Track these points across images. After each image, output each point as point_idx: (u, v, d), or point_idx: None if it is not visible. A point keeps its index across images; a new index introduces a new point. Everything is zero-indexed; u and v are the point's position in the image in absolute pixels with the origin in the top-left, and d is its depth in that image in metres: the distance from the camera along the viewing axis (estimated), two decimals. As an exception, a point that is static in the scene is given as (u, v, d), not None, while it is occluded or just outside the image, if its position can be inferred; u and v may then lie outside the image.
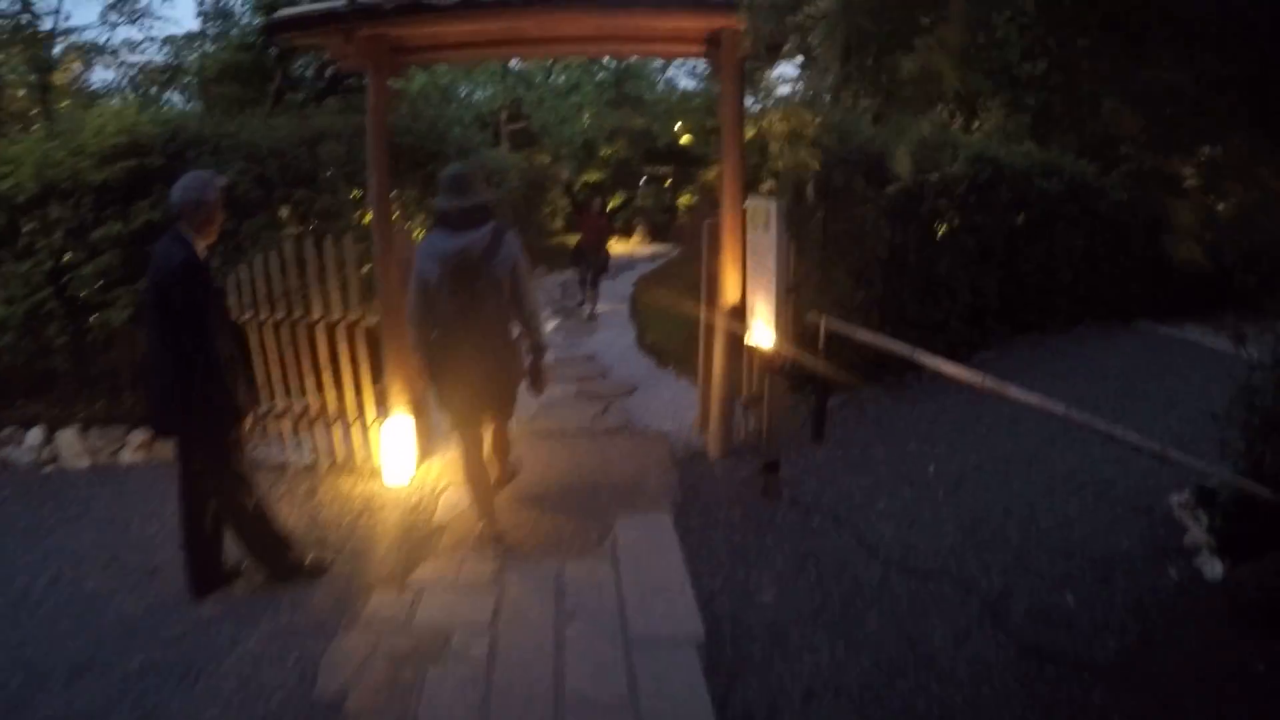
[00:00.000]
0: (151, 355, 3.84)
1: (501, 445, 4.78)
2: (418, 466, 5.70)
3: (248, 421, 4.07)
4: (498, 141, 22.01)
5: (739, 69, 5.00)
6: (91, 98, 13.15)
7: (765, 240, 4.58)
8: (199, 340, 3.67)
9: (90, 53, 12.77)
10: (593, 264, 11.79)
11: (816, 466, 5.63)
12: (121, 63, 13.02)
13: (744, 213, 5.17)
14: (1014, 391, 3.79)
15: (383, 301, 5.29)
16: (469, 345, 3.85)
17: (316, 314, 5.55)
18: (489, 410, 4.21)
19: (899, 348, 4.33)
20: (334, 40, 4.41)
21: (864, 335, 4.58)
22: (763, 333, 4.75)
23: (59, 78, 11.21)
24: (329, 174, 7.68)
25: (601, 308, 12.15)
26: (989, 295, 8.86)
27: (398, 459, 5.50)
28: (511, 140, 22.28)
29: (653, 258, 18.62)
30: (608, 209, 13.78)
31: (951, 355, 7.89)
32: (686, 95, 24.79)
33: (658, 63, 24.35)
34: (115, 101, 12.31)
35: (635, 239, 21.33)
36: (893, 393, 7.22)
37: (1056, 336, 9.75)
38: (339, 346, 5.49)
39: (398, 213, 8.60)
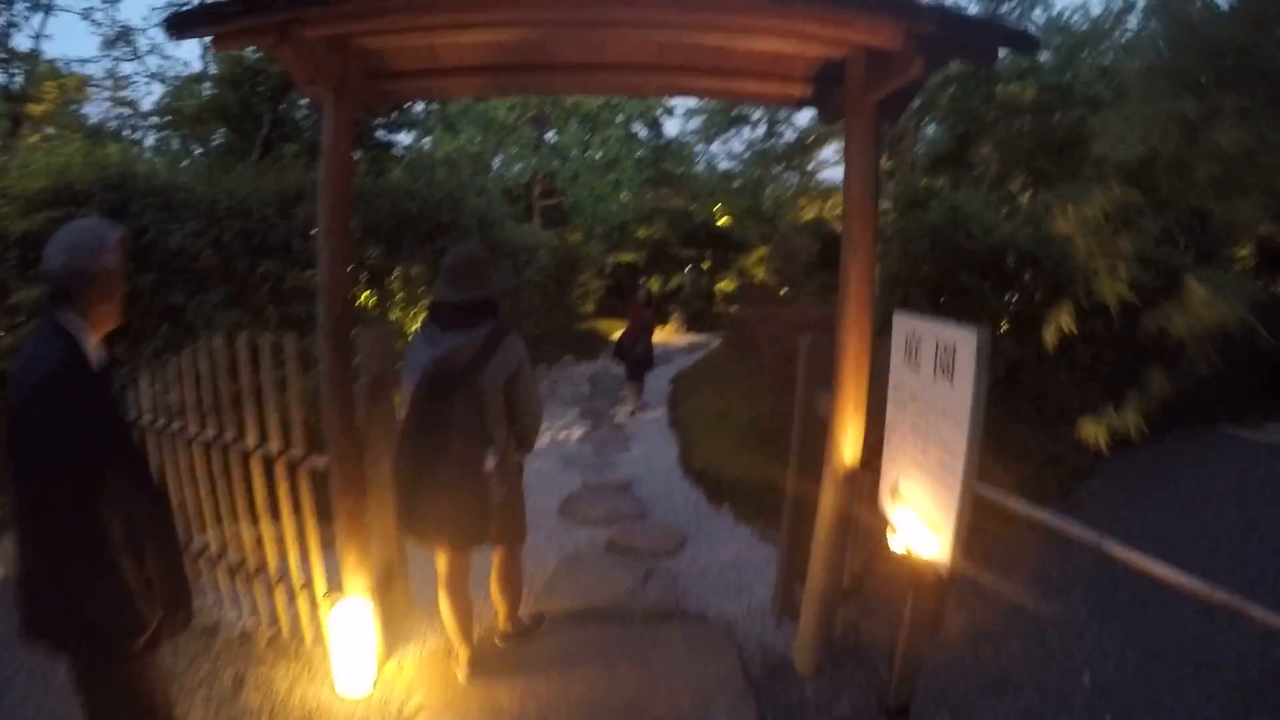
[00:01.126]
0: (16, 521, 2.26)
1: (508, 583, 3.90)
2: (382, 665, 3.94)
3: (162, 629, 2.41)
4: (529, 216, 20.81)
5: (872, 116, 3.38)
6: (91, 135, 11.89)
7: (934, 389, 2.88)
8: (76, 511, 2.15)
9: (77, 85, 11.56)
10: (636, 358, 10.65)
11: (961, 703, 3.80)
12: (115, 100, 11.85)
13: (868, 330, 3.47)
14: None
15: (331, 433, 3.61)
16: (433, 472, 3.21)
17: (252, 441, 3.90)
18: (462, 539, 3.39)
19: (1083, 534, 2.54)
20: (267, 41, 2.85)
21: (1025, 510, 2.80)
22: (918, 532, 2.99)
23: (37, 109, 9.82)
24: (308, 242, 6.16)
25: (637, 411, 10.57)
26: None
27: (354, 659, 3.73)
28: (544, 216, 21.05)
29: (690, 349, 17.00)
30: (653, 298, 12.28)
31: (1060, 492, 6.50)
32: (727, 175, 23.55)
33: (698, 141, 23.28)
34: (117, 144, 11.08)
35: (671, 327, 19.75)
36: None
37: (1150, 449, 8.23)
38: (280, 489, 3.83)
39: (374, 297, 7.05)
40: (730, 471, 7.02)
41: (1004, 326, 5.97)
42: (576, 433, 9.18)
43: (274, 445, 3.81)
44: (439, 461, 3.19)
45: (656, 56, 3.62)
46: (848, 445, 3.58)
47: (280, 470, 3.80)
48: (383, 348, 3.97)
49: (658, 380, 12.70)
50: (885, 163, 13.40)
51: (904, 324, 3.12)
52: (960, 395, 2.78)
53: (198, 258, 5.73)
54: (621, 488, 6.95)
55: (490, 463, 3.21)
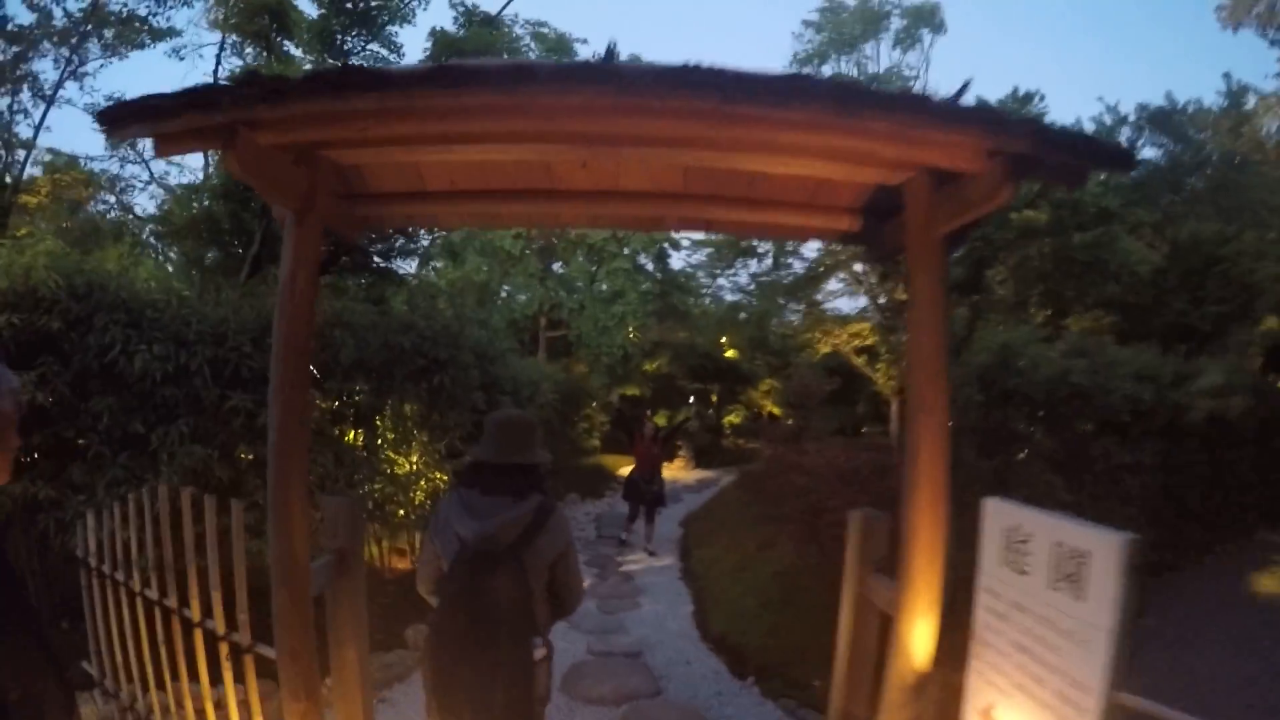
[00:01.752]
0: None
1: None
2: None
3: None
4: (535, 349, 20.45)
5: (940, 252, 2.83)
6: (88, 235, 11.55)
7: (1051, 602, 2.21)
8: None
9: (74, 182, 11.31)
10: (648, 497, 10.32)
11: None
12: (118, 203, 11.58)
13: (944, 513, 2.81)
14: None
15: (280, 624, 2.90)
16: (476, 662, 2.76)
17: (196, 612, 3.22)
18: None
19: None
20: (213, 146, 2.34)
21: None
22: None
23: (32, 200, 9.39)
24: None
25: (645, 557, 9.80)
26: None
27: None
28: (548, 349, 20.67)
29: (699, 487, 16.21)
30: (660, 432, 11.75)
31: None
32: (734, 307, 23.32)
33: (702, 274, 23.17)
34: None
35: (678, 463, 19.01)
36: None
37: (1189, 572, 7.62)
38: (225, 674, 3.13)
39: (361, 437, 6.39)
40: (753, 637, 6.22)
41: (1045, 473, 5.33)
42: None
43: (218, 623, 3.13)
44: (485, 650, 2.83)
45: (680, 184, 3.10)
46: (918, 646, 2.85)
47: (227, 655, 3.12)
48: (350, 518, 3.30)
49: (667, 523, 11.90)
50: (900, 292, 13.02)
51: (1002, 515, 2.46)
52: (1094, 616, 2.10)
53: (163, 383, 5.16)
54: (632, 656, 6.11)
55: (540, 653, 2.89)
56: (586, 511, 12.93)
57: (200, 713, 3.33)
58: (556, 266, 21.02)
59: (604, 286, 19.11)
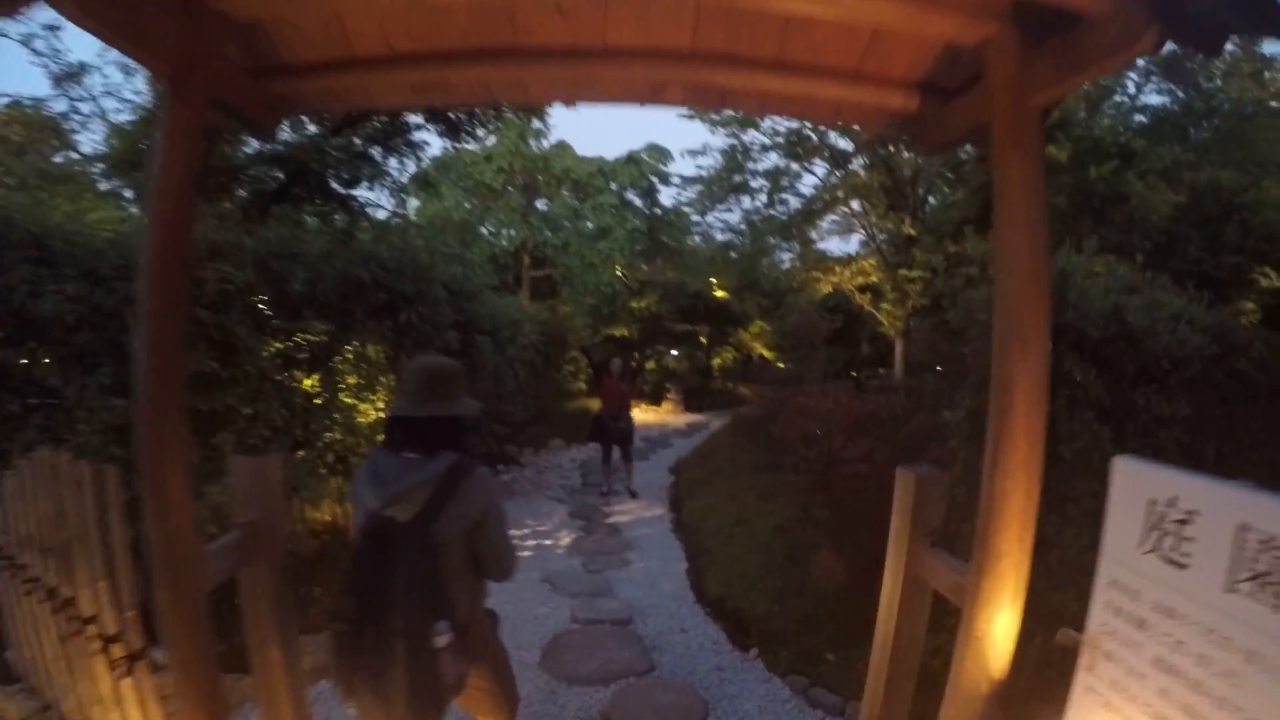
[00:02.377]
0: None
1: None
2: None
3: None
4: (517, 288, 19.65)
5: (1037, 129, 2.10)
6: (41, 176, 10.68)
7: (1229, 609, 1.56)
8: None
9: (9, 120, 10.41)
10: (616, 435, 9.90)
11: None
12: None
13: (1038, 473, 2.13)
14: None
15: (167, 622, 2.22)
16: (371, 651, 2.39)
17: (87, 608, 2.54)
18: None
19: None
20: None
21: None
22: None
23: None
24: (228, 315, 4.84)
25: (633, 506, 9.18)
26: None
27: None
28: (533, 289, 19.88)
29: (689, 430, 15.60)
30: (632, 368, 11.13)
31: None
32: (725, 247, 22.51)
33: (692, 212, 22.29)
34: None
35: (666, 407, 18.37)
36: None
37: None
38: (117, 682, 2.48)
39: (319, 383, 5.68)
40: (756, 601, 5.62)
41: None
42: (565, 539, 7.73)
43: (108, 620, 2.46)
44: (379, 637, 2.49)
45: (688, 37, 2.32)
46: (996, 646, 2.20)
47: (120, 659, 2.46)
48: (263, 483, 2.60)
49: (656, 470, 11.30)
50: (908, 227, 12.29)
51: (1145, 480, 1.79)
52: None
53: (78, 328, 4.42)
54: (621, 624, 5.50)
55: (443, 639, 2.49)
56: (572, 458, 12.29)
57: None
58: (541, 204, 20.12)
59: (590, 224, 18.24)
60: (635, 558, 7.17)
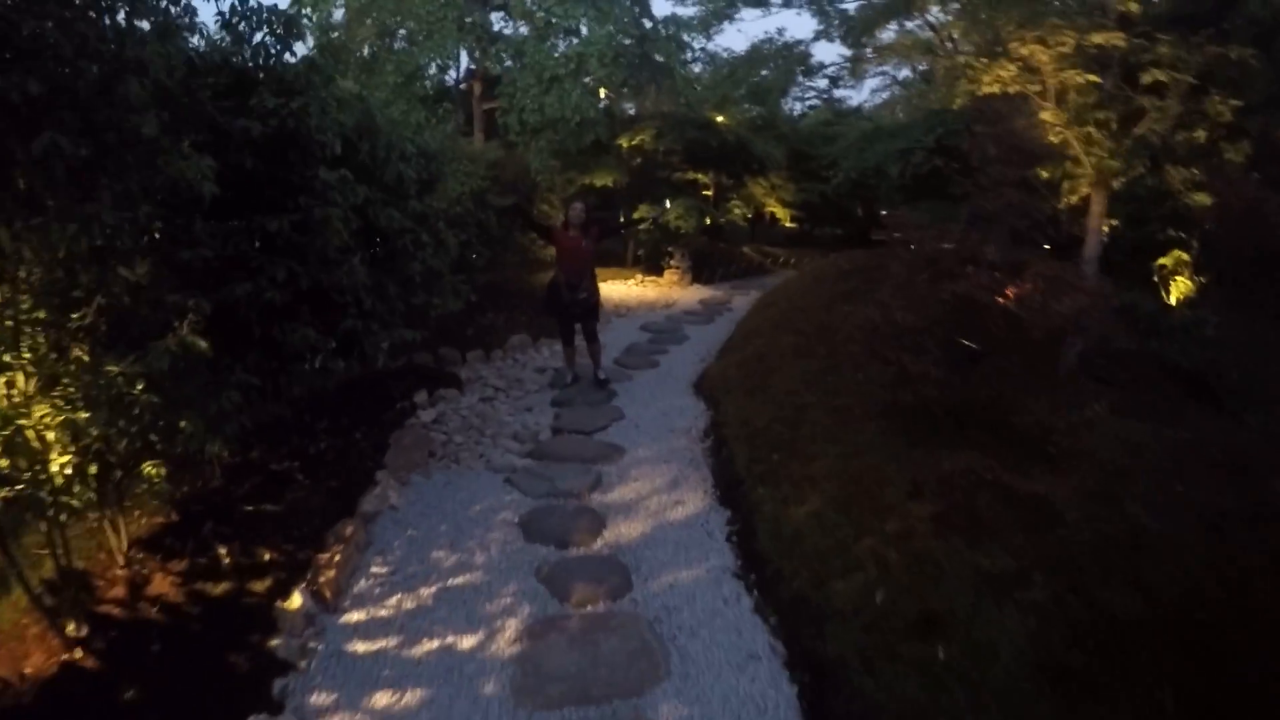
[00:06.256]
0: None
1: None
2: None
3: None
4: (469, 127, 14.88)
5: None
6: None
7: None
8: None
9: None
10: (572, 307, 7.04)
11: None
12: None
13: None
14: None
15: None
16: None
17: None
18: None
19: None
20: None
21: None
22: None
23: None
24: None
25: (645, 456, 5.19)
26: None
27: None
28: (487, 126, 15.09)
29: (706, 312, 11.24)
30: (599, 216, 6.98)
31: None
32: (736, 69, 17.55)
33: (690, 35, 17.18)
34: None
35: (669, 278, 13.95)
36: None
37: None
38: None
39: None
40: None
41: None
42: (504, 629, 3.54)
43: None
44: None
45: None
46: None
47: None
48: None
49: (672, 390, 7.04)
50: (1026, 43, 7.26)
51: None
52: None
53: None
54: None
55: None
56: (540, 366, 8.00)
57: None
58: (497, 17, 15.01)
59: (552, 19, 13.12)
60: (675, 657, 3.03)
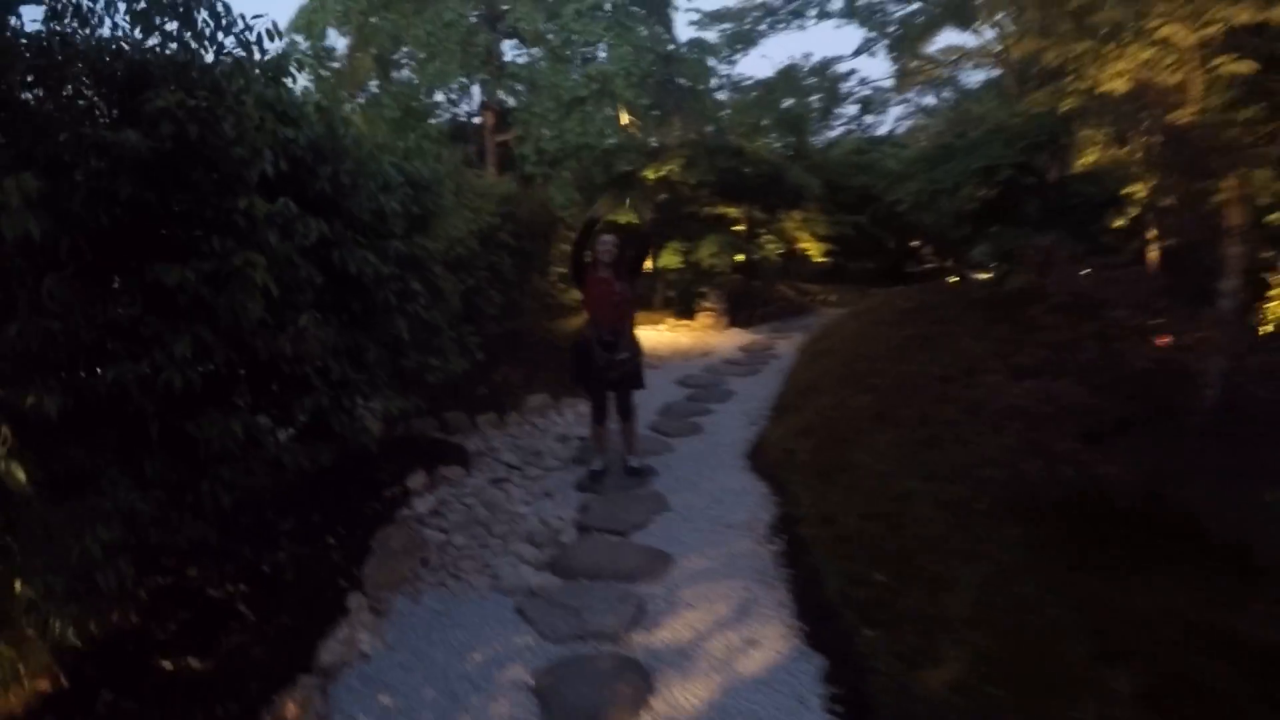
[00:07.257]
0: None
1: None
2: None
3: None
4: (481, 160, 13.83)
5: None
6: None
7: None
8: None
9: None
10: (609, 372, 5.43)
11: None
12: None
13: None
14: None
15: None
16: None
17: None
18: None
19: None
20: None
21: None
22: None
23: None
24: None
25: (700, 568, 3.77)
26: None
27: None
28: (500, 159, 14.05)
29: (749, 361, 9.99)
30: (625, 252, 5.36)
31: None
32: (768, 92, 16.46)
33: (714, 60, 16.17)
34: None
35: (702, 322, 12.73)
36: None
37: None
38: None
39: None
40: None
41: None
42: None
43: None
44: None
45: None
46: None
47: None
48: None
49: (720, 456, 5.74)
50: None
51: None
52: None
53: None
54: None
55: None
56: (562, 433, 6.77)
57: None
58: (509, 45, 14.04)
59: (571, 36, 12.03)
60: None
